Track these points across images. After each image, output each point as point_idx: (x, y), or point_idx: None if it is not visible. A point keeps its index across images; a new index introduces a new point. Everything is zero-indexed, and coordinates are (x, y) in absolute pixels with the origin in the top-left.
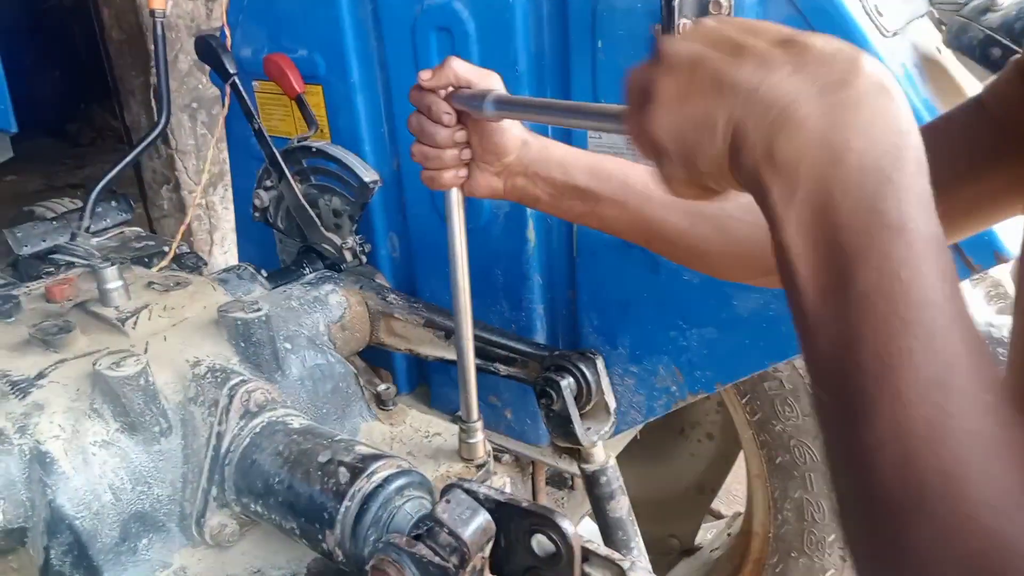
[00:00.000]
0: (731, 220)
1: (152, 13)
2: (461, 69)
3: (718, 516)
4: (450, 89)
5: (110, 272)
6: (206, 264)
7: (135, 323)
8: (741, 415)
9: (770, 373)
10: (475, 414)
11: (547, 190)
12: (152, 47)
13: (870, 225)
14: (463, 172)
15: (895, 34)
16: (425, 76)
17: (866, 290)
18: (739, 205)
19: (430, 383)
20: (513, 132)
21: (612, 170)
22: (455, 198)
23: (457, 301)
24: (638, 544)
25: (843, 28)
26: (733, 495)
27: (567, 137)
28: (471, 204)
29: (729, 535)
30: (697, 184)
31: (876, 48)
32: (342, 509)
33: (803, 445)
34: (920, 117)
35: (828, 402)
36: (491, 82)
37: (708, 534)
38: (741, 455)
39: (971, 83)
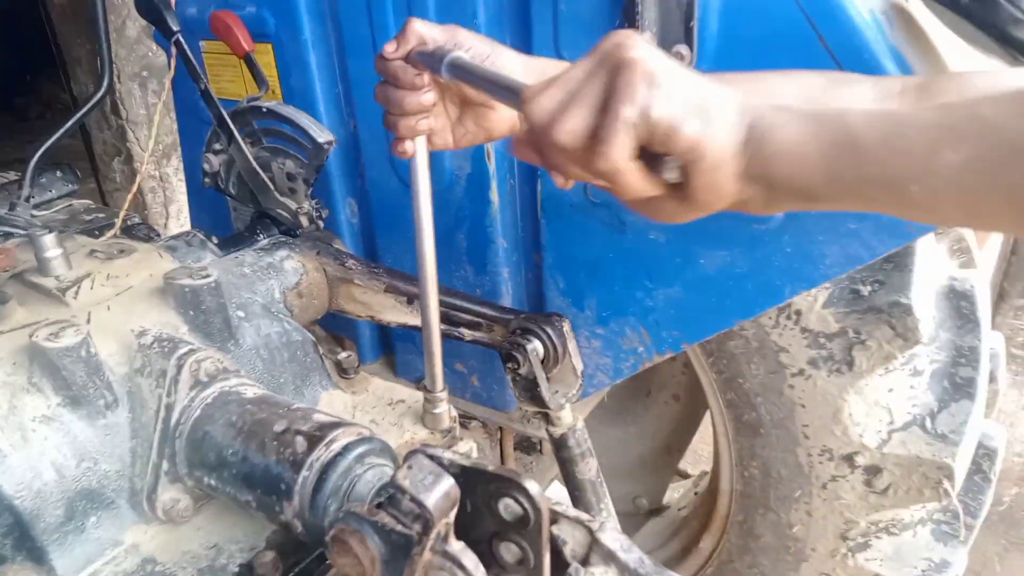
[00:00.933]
0: None
1: None
2: (423, 30)
3: (684, 476)
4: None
5: (48, 240)
6: (158, 235)
7: (76, 293)
8: (707, 374)
9: (736, 331)
10: (440, 383)
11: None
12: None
13: None
14: (424, 127)
15: None
16: (390, 48)
17: None
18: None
19: (395, 351)
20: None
21: None
22: (421, 158)
23: (423, 269)
24: (607, 505)
25: None
26: (699, 455)
27: None
28: (433, 166)
29: (696, 494)
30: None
31: None
32: (300, 479)
33: (769, 403)
34: (884, 68)
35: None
36: (456, 35)
37: (675, 494)
38: (707, 416)
39: (939, 30)
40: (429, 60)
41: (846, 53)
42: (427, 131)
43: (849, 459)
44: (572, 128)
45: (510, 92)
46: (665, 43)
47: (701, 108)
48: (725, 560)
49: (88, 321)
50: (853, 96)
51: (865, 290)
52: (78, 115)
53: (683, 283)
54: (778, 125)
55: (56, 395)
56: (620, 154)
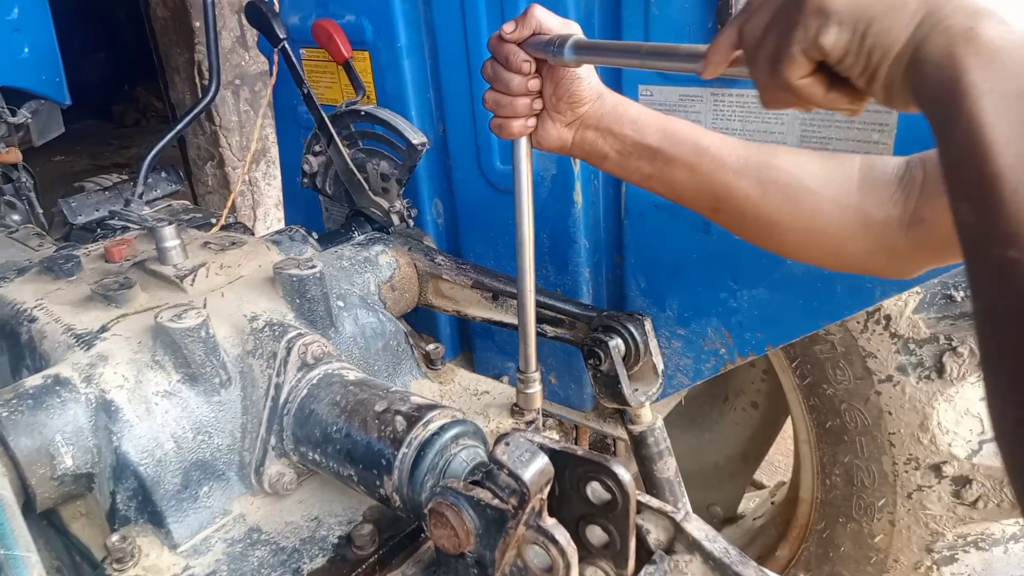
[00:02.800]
0: (806, 192)
1: None
2: (543, 17)
3: (760, 487)
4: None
5: (168, 231)
6: (253, 235)
7: (193, 280)
8: (790, 379)
9: (821, 336)
10: (533, 364)
11: (616, 147)
12: (196, 24)
13: None
14: (532, 122)
15: None
16: (508, 28)
17: None
18: (816, 176)
19: (473, 348)
20: (590, 82)
21: (686, 133)
22: (524, 149)
23: (521, 252)
24: (686, 504)
25: None
26: (774, 466)
27: None
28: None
29: (773, 503)
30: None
31: None
32: (400, 456)
33: (854, 409)
34: None
35: None
36: (572, 29)
37: (750, 504)
38: (784, 425)
39: None
40: (547, 46)
41: None
42: (534, 114)
43: (937, 469)
44: (764, 55)
45: (672, 54)
46: None
47: (879, 17)
48: (803, 569)
49: (204, 305)
50: None
51: (959, 295)
52: (188, 118)
53: (768, 284)
54: (937, 35)
55: (176, 372)
56: (794, 75)
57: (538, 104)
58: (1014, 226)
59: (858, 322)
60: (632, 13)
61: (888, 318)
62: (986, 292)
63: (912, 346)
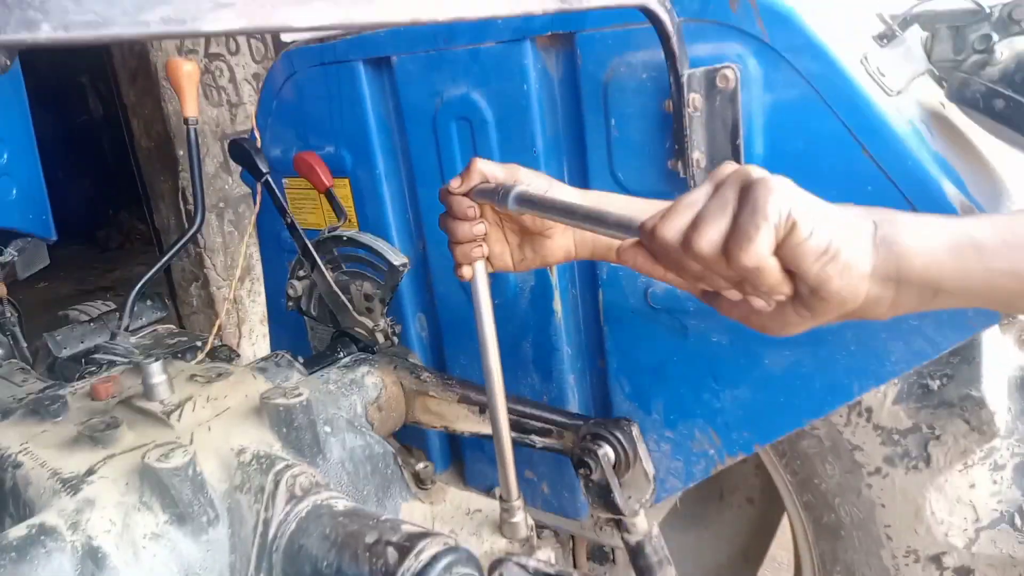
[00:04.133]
0: None
1: (186, 121)
2: (486, 168)
3: None
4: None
5: (155, 367)
6: (239, 356)
7: (180, 415)
8: (781, 476)
9: (807, 431)
10: (515, 492)
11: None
12: (180, 152)
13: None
14: (480, 265)
15: (899, 93)
16: (455, 184)
17: None
18: None
19: (464, 459)
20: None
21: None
22: (480, 282)
23: (490, 381)
24: None
25: (848, 92)
26: (778, 563)
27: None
28: (497, 280)
29: None
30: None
31: (883, 108)
32: None
33: (848, 503)
34: (929, 173)
35: None
36: (514, 173)
37: None
38: (784, 520)
39: (978, 134)
40: (492, 195)
41: (890, 162)
42: (480, 258)
43: (936, 560)
44: (711, 238)
45: (596, 218)
46: (714, 160)
47: (832, 213)
48: None
49: (191, 441)
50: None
51: (935, 384)
52: (175, 249)
53: (749, 384)
54: (908, 227)
55: (164, 513)
56: (764, 249)
57: (480, 250)
58: None
59: (841, 416)
60: (595, 135)
61: (870, 410)
62: None
63: (896, 436)
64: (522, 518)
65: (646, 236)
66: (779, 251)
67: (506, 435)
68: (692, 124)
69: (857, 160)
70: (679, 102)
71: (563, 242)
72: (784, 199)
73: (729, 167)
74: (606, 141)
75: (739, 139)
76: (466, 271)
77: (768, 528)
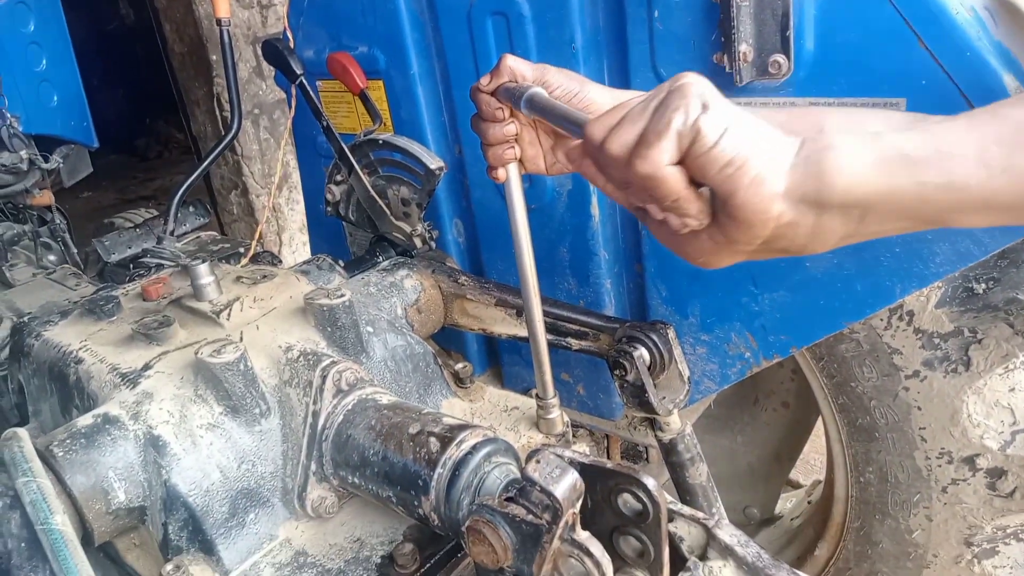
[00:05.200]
0: None
1: (218, 22)
2: (516, 66)
3: (796, 486)
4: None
5: (202, 268)
6: (281, 261)
7: (228, 315)
8: (818, 379)
9: (845, 335)
10: (551, 390)
11: None
12: (214, 57)
13: None
14: (512, 168)
15: None
16: (484, 81)
17: None
18: None
19: (502, 363)
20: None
21: None
22: (514, 181)
23: (525, 283)
24: (719, 509)
25: None
26: (811, 464)
27: None
28: (534, 184)
29: (809, 503)
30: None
31: None
32: (435, 476)
33: (883, 406)
34: (989, 65)
35: None
36: (544, 74)
37: (787, 504)
38: (818, 424)
39: None
40: (511, 96)
41: (947, 53)
42: (512, 160)
43: (970, 462)
44: (623, 139)
45: (576, 124)
46: (762, 53)
47: (749, 125)
48: (842, 568)
49: (241, 339)
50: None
51: (980, 288)
52: (213, 155)
53: (789, 287)
54: (833, 145)
55: (218, 405)
56: (660, 157)
57: (512, 152)
58: None
59: (881, 319)
60: (637, 29)
61: (911, 314)
62: None
63: (937, 340)
64: (558, 415)
65: (584, 135)
66: (685, 161)
67: (541, 334)
68: (739, 14)
69: (912, 52)
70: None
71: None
72: (694, 107)
73: (676, 77)
74: (648, 34)
75: (789, 30)
76: (500, 173)
77: (802, 431)
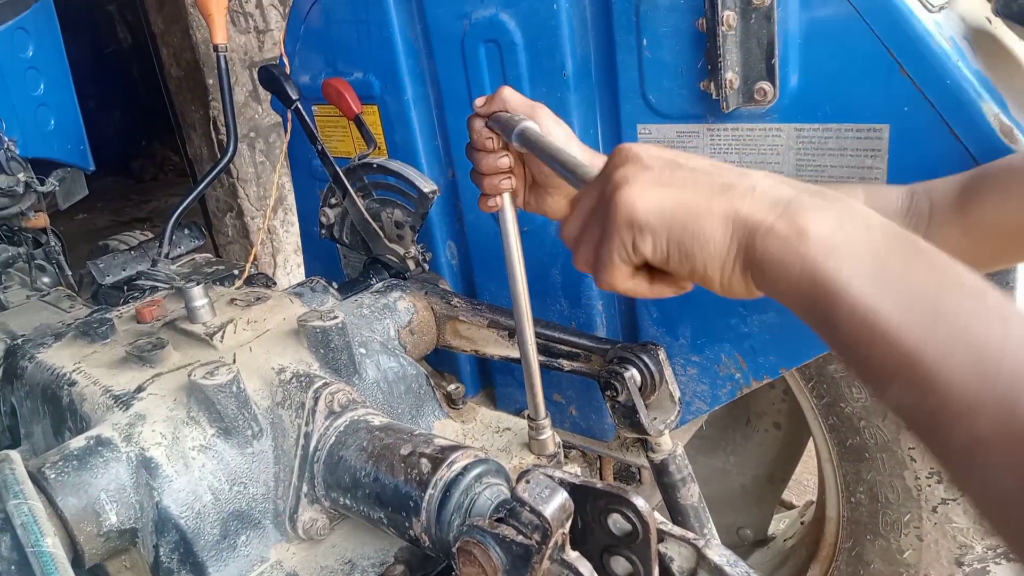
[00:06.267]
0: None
1: (215, 48)
2: (511, 99)
3: (789, 507)
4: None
5: (196, 291)
6: (275, 284)
7: (222, 336)
8: (807, 400)
9: (834, 356)
10: (542, 411)
11: None
12: (210, 81)
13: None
14: (504, 198)
15: (941, 8)
16: (479, 103)
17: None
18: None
19: (495, 384)
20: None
21: None
22: (508, 213)
23: (519, 309)
24: (711, 530)
25: (888, 8)
26: (804, 485)
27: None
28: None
29: (802, 523)
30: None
31: (923, 24)
32: (426, 497)
33: (872, 426)
34: (968, 92)
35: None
36: (536, 113)
37: (780, 525)
38: (810, 444)
39: None
40: (503, 126)
41: (929, 81)
42: (508, 190)
43: None
44: (584, 259)
45: (574, 175)
46: (748, 81)
47: (688, 225)
48: None
49: (234, 361)
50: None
51: None
52: (208, 179)
53: (777, 308)
54: (769, 241)
55: (211, 427)
56: (618, 282)
57: (507, 183)
58: (960, 402)
59: None
60: (626, 56)
61: None
62: (971, 473)
63: None
64: (550, 435)
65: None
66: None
67: (533, 355)
68: (726, 43)
69: (894, 79)
70: (713, 20)
71: (562, 203)
72: (627, 236)
73: (616, 159)
74: (638, 62)
75: (774, 59)
76: (493, 202)
77: (794, 452)
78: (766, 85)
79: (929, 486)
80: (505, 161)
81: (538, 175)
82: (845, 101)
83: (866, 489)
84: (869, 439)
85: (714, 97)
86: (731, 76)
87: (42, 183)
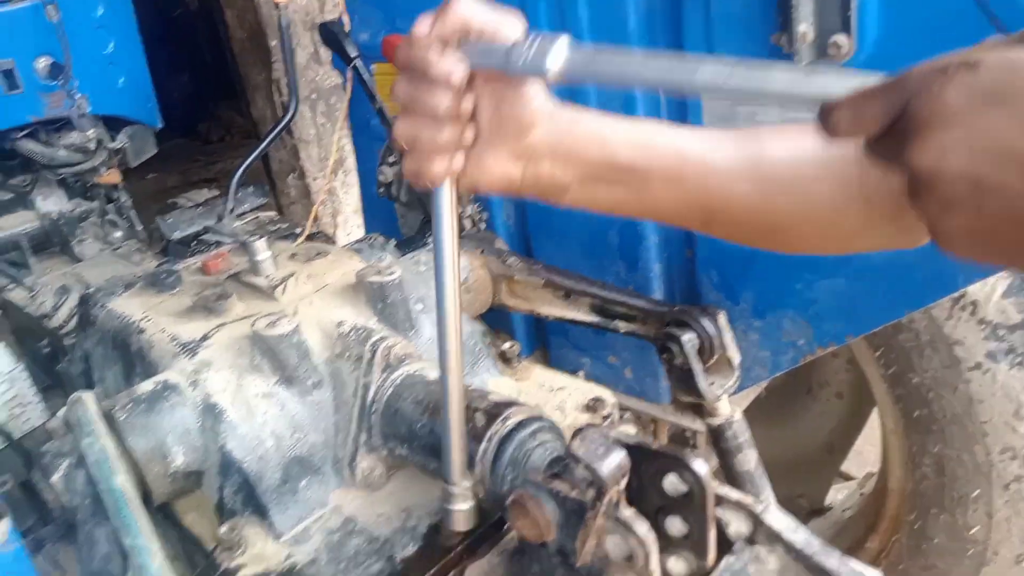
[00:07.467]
0: (810, 182)
1: (276, 6)
2: (474, 13)
3: (848, 478)
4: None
5: (260, 245)
6: (334, 243)
7: (283, 289)
8: (875, 369)
9: (905, 324)
10: (459, 473)
11: (579, 174)
12: (273, 43)
13: None
14: (459, 161)
15: None
16: (423, 26)
17: None
18: (815, 159)
19: (548, 345)
20: (539, 99)
21: (663, 139)
22: (446, 196)
23: (445, 331)
24: (768, 496)
25: None
26: (864, 457)
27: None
28: None
29: (862, 495)
30: None
31: None
32: (480, 450)
33: (942, 398)
34: None
35: None
36: (509, 25)
37: (838, 495)
38: (871, 415)
39: None
40: (507, 56)
41: None
42: (461, 148)
43: None
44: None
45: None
46: (823, 33)
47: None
48: (895, 561)
49: (295, 313)
50: None
51: None
52: (270, 137)
53: (847, 274)
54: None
55: (273, 375)
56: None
57: (470, 134)
58: None
59: (943, 308)
60: (693, 8)
61: (975, 304)
62: None
63: (1002, 332)
64: (469, 507)
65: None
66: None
67: (458, 411)
68: None
69: (985, 32)
70: None
71: (507, 167)
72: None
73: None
74: (704, 13)
75: (851, 10)
76: (440, 168)
77: (856, 423)
78: (842, 38)
79: (1002, 462)
80: (470, 102)
81: (485, 125)
82: (930, 57)
83: (933, 462)
84: (938, 411)
85: (786, 51)
86: (804, 28)
87: (112, 139)
